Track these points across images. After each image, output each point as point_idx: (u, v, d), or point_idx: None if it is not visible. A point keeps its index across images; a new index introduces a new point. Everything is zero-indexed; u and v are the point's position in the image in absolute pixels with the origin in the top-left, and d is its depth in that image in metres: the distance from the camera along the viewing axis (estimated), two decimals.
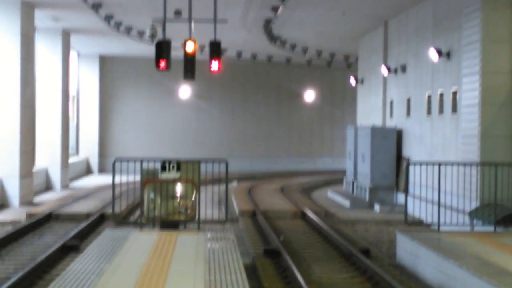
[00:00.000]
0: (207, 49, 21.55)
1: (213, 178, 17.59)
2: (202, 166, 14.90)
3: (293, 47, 36.25)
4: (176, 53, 23.72)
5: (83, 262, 11.18)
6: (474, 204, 17.82)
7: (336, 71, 44.47)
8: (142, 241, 13.23)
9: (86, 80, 41.87)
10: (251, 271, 13.29)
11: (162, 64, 19.86)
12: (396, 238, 15.54)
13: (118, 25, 29.66)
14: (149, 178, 14.59)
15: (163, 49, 19.84)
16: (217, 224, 15.51)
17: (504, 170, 16.46)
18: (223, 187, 15.64)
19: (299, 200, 26.47)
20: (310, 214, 21.48)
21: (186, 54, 20.17)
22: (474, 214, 17.30)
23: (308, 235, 18.73)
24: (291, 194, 28.88)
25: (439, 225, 15.32)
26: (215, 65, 20.25)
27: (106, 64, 42.56)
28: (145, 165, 14.73)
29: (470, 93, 18.76)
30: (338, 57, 39.90)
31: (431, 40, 22.67)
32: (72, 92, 38.56)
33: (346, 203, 26.62)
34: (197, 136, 43.93)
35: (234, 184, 33.36)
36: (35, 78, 28.66)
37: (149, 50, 28.42)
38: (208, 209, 16.34)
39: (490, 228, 15.42)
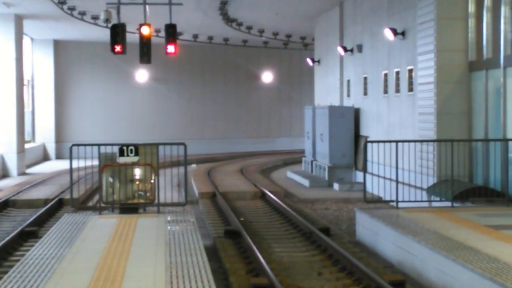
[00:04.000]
0: (163, 32, 21.43)
1: (172, 161, 17.53)
2: (161, 149, 14.87)
3: (249, 28, 36.17)
4: (132, 37, 23.54)
5: (43, 247, 11.10)
6: (432, 181, 18.03)
7: (293, 52, 44.52)
8: (102, 226, 13.17)
9: (41, 66, 41.34)
10: (212, 252, 13.31)
11: (118, 48, 19.73)
12: (356, 216, 15.67)
13: (71, 9, 29.28)
14: (107, 163, 14.51)
15: (118, 33, 19.70)
16: (177, 206, 15.49)
17: (460, 146, 16.66)
18: (182, 169, 15.61)
19: (259, 180, 26.52)
20: (270, 194, 21.54)
21: (141, 37, 20.06)
22: (431, 190, 17.51)
23: (268, 215, 18.79)
24: (251, 175, 28.93)
25: (397, 202, 15.48)
26: (171, 48, 20.18)
27: (61, 48, 42.05)
28: (103, 149, 14.64)
29: (426, 71, 18.92)
30: (295, 38, 39.93)
31: (386, 20, 22.79)
32: (26, 77, 38.08)
33: (306, 182, 26.75)
34: (156, 119, 43.70)
35: (193, 167, 33.31)
36: None
37: (104, 34, 28.14)
38: (167, 192, 16.31)
39: (448, 204, 15.62)
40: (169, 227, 12.85)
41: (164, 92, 43.95)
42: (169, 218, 13.84)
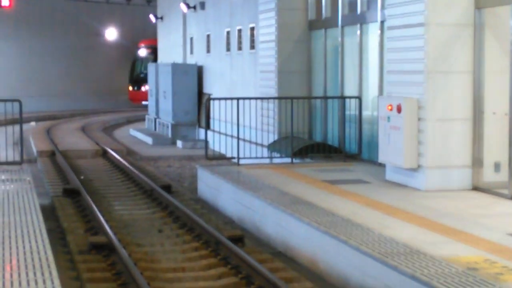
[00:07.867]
0: None
1: (7, 119, 16.88)
2: None
3: None
4: None
5: None
6: (273, 137, 18.29)
7: (136, 8, 43.80)
8: None
9: None
10: (50, 212, 12.95)
11: None
12: (197, 173, 15.68)
13: None
14: None
15: None
16: (12, 165, 14.94)
17: (300, 104, 16.98)
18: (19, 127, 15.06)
19: (100, 138, 26.06)
20: (112, 152, 21.21)
21: None
22: (272, 147, 17.77)
23: (109, 173, 18.50)
24: (92, 133, 28.38)
25: (238, 158, 15.61)
26: (5, 1, 19.35)
27: None
28: None
29: (267, 29, 19.04)
30: None
31: None
32: None
33: (149, 140, 26.53)
34: None
35: (32, 125, 32.24)
36: None
37: None
38: (2, 151, 15.72)
39: (288, 160, 15.91)
40: (3, 187, 12.38)
41: (0, 47, 42.15)
42: (3, 177, 13.34)
